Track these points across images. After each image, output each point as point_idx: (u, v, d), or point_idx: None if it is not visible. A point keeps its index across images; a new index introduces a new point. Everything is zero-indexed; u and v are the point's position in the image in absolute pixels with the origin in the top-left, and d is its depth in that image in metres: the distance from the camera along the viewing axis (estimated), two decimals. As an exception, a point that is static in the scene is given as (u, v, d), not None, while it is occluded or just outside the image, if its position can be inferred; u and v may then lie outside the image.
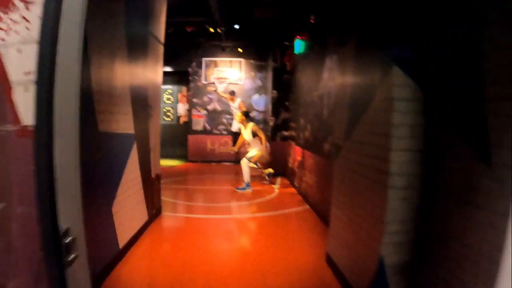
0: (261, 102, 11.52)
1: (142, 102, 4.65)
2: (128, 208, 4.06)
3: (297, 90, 8.14)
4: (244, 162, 7.38)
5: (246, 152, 7.73)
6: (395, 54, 2.42)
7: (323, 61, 5.62)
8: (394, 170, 2.41)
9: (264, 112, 11.37)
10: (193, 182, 8.59)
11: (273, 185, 8.03)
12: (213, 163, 11.37)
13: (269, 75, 10.29)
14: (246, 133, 7.51)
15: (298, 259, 3.96)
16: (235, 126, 10.30)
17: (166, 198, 6.53)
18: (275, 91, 9.42)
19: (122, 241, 3.83)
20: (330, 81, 5.19)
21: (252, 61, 11.44)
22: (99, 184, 3.26)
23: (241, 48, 10.95)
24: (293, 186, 7.91)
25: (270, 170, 8.20)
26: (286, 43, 9.01)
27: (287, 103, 9.25)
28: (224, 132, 11.57)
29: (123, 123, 3.85)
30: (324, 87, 5.56)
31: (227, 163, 11.30)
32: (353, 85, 3.25)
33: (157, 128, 5.37)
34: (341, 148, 3.49)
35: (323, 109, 5.56)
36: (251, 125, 7.47)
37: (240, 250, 4.31)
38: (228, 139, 11.40)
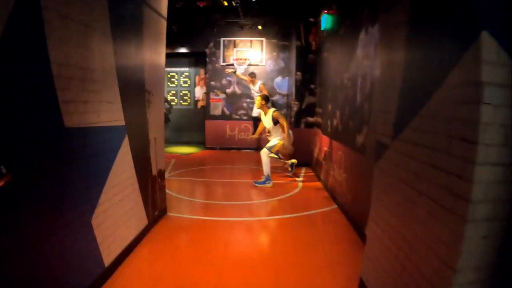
0: (284, 85, 10.63)
1: (137, 87, 3.89)
2: (117, 216, 3.35)
3: (324, 72, 7.20)
4: (264, 153, 6.58)
5: (267, 140, 6.92)
6: (485, 13, 1.53)
7: (355, 36, 4.69)
8: (478, 195, 1.56)
9: (287, 95, 10.48)
10: (209, 173, 7.88)
11: (296, 178, 7.22)
12: (233, 151, 10.62)
13: (293, 56, 9.36)
14: (266, 120, 6.66)
15: (325, 282, 3.17)
16: (256, 111, 9.49)
17: (175, 193, 5.84)
18: (299, 73, 8.48)
19: (108, 258, 3.13)
20: (366, 59, 4.27)
21: (274, 40, 10.50)
22: (72, 193, 2.54)
23: (261, 26, 10.00)
24: (319, 179, 7.07)
25: (294, 161, 7.38)
26: (311, 19, 8.04)
27: (312, 86, 8.32)
28: (245, 117, 10.78)
29: (107, 114, 3.09)
30: (357, 68, 4.64)
31: (248, 151, 10.53)
32: (406, 63, 2.35)
33: (159, 115, 4.61)
34: (387, 148, 2.62)
35: (356, 94, 4.66)
36: (271, 111, 6.59)
37: (253, 271, 3.52)
38: (249, 125, 10.62)
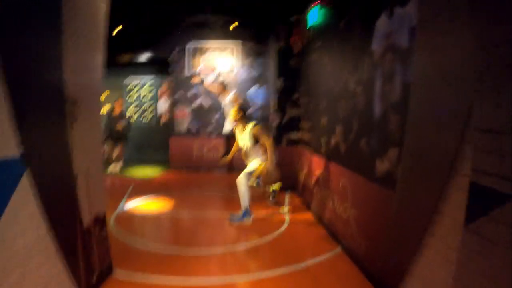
0: (259, 96, 9.37)
1: (49, 94, 2.46)
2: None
3: (313, 78, 5.98)
4: (241, 182, 5.16)
5: (242, 160, 5.59)
6: None
7: (367, 26, 3.47)
8: None
9: (263, 108, 9.25)
10: (174, 203, 6.41)
11: (280, 208, 5.87)
12: (201, 172, 9.17)
13: (271, 61, 8.15)
14: (244, 137, 5.31)
15: None
16: (228, 128, 8.16)
17: (128, 236, 4.37)
18: (280, 81, 7.23)
19: None
20: (390, 53, 3.03)
21: (248, 44, 9.25)
22: None
23: (233, 26, 8.71)
24: (308, 208, 5.76)
25: (276, 187, 6.05)
26: (294, 18, 6.84)
27: (295, 96, 7.06)
28: (213, 135, 9.42)
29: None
30: (373, 67, 3.40)
31: (218, 172, 9.13)
32: None
33: (93, 136, 3.16)
34: (505, 201, 1.35)
35: (372, 102, 3.40)
36: (250, 125, 5.24)
37: None
38: (219, 143, 9.24)
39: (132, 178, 8.25)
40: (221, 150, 8.99)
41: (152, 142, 10.37)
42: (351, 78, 3.96)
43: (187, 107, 9.38)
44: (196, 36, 9.22)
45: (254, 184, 5.58)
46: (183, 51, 9.28)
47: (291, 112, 7.08)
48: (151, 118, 10.60)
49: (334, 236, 4.43)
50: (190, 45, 9.27)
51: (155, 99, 10.52)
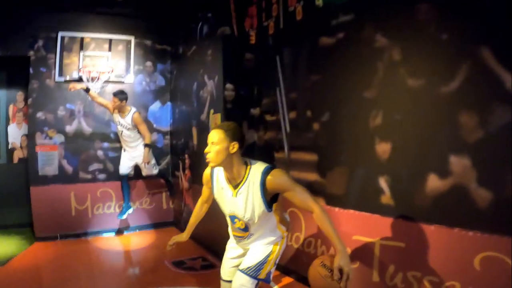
0: (164, 116, 6.51)
1: None
2: None
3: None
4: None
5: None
6: None
7: None
8: None
9: (170, 133, 6.51)
10: None
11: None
12: (88, 240, 5.71)
13: (209, 57, 5.23)
14: (242, 197, 2.31)
15: None
16: (128, 164, 5.34)
17: None
18: (229, 87, 4.41)
19: None
20: None
21: (147, 41, 6.28)
22: None
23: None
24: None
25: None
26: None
27: (254, 111, 4.23)
28: (102, 176, 6.08)
29: None
30: None
31: (111, 235, 5.91)
32: None
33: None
34: None
35: None
36: (261, 169, 2.26)
37: None
38: (112, 190, 5.94)
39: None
40: (117, 200, 5.84)
41: (2, 193, 6.46)
42: None
43: (56, 134, 5.83)
44: (72, 24, 5.87)
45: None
46: (52, 43, 5.78)
47: (251, 136, 4.21)
48: (-2, 154, 6.68)
49: None
50: (64, 35, 5.83)
51: (5, 122, 6.63)
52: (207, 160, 2.23)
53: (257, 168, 2.25)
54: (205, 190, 2.65)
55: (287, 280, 3.72)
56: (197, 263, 4.56)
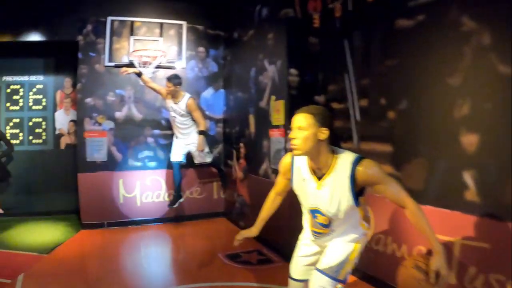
0: (218, 103, 6.23)
1: None
2: None
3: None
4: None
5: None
6: None
7: None
8: None
9: (223, 121, 6.25)
10: None
11: None
12: (138, 228, 5.57)
13: (267, 42, 4.97)
14: (326, 191, 2.08)
15: None
16: (180, 151, 5.26)
17: None
18: (293, 72, 4.14)
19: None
20: None
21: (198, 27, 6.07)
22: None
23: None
24: None
25: None
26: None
27: (319, 98, 3.93)
28: (152, 164, 5.89)
29: None
30: None
31: (167, 224, 5.73)
32: None
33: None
34: None
35: None
36: (350, 159, 2.00)
37: None
38: (161, 178, 5.76)
39: (18, 253, 4.36)
40: (167, 188, 5.64)
41: (49, 179, 6.39)
42: None
43: (105, 120, 5.68)
44: (121, 8, 5.72)
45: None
46: (101, 27, 5.64)
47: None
48: (46, 140, 6.58)
49: None
50: (114, 19, 5.69)
51: (53, 108, 6.56)
52: (292, 147, 1.98)
53: (346, 157, 2.00)
54: (281, 181, 2.39)
55: (350, 278, 3.42)
56: (253, 256, 4.28)
